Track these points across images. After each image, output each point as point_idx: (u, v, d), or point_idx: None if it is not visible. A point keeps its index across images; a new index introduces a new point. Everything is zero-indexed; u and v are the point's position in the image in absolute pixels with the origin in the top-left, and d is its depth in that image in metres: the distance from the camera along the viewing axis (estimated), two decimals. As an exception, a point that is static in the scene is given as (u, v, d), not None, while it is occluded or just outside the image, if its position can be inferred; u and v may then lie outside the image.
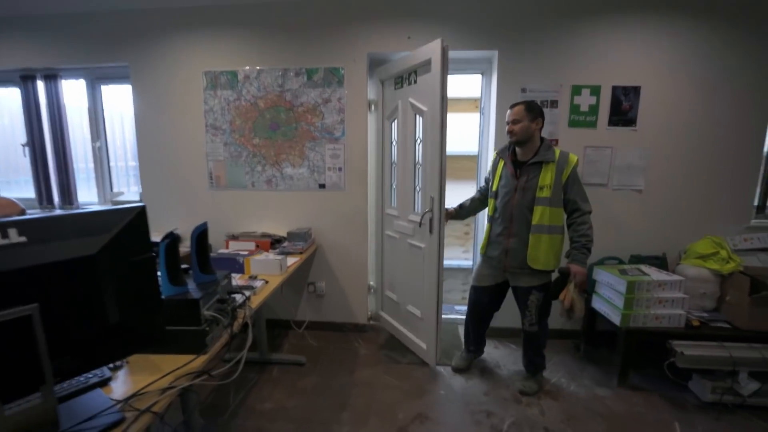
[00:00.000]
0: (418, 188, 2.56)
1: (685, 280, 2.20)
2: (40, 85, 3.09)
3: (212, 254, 2.29)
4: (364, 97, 2.74)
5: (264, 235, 2.74)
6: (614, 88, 2.54)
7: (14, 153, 3.35)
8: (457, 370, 2.48)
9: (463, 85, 4.14)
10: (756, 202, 2.69)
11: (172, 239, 1.26)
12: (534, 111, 2.05)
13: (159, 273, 1.26)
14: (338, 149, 2.79)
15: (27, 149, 3.24)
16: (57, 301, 0.89)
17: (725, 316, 2.24)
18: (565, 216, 2.10)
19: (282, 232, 2.82)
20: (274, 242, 2.70)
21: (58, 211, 3.25)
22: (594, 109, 2.57)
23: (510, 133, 2.08)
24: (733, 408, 2.07)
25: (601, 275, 2.43)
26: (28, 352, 0.82)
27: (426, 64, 2.29)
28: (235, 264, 2.15)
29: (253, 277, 2.04)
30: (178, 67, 2.83)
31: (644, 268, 2.38)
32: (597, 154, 2.62)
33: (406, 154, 2.60)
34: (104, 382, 1.12)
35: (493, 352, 2.70)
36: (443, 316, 2.51)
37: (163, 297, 1.26)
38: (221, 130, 2.86)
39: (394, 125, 2.75)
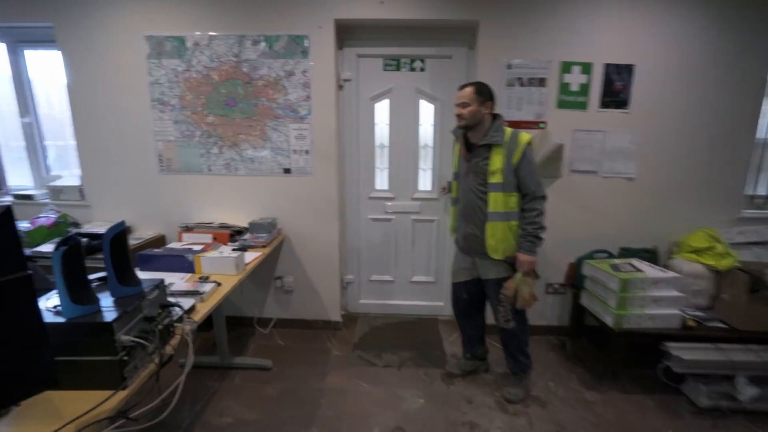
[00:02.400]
0: (424, 168, 2.74)
1: (681, 277, 2.06)
2: (-49, 50, 2.61)
3: (159, 250, 1.99)
4: (332, 71, 2.43)
5: (222, 226, 2.43)
6: (607, 66, 2.33)
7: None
8: (448, 375, 2.30)
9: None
10: (750, 192, 2.57)
11: (72, 245, 0.97)
12: (484, 93, 1.88)
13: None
14: (304, 129, 2.48)
15: (-59, 126, 2.78)
16: None
17: (720, 315, 2.12)
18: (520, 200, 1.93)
19: (243, 223, 2.52)
20: (234, 234, 2.41)
21: (-18, 198, 2.82)
22: (585, 89, 2.36)
23: (458, 116, 1.92)
24: (731, 413, 1.96)
25: (591, 270, 2.27)
26: None
27: (443, 57, 2.56)
28: (183, 263, 1.86)
29: (204, 278, 1.76)
30: (113, 30, 2.42)
31: (636, 262, 2.23)
32: (587, 139, 2.42)
33: (405, 137, 2.70)
34: (-24, 440, 0.84)
35: (474, 349, 2.53)
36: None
37: (63, 320, 0.98)
38: (170, 105, 2.50)
39: (381, 106, 2.68)
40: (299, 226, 2.64)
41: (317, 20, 2.35)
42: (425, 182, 2.78)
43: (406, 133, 2.68)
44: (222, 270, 1.85)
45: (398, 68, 2.58)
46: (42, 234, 2.33)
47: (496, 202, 1.87)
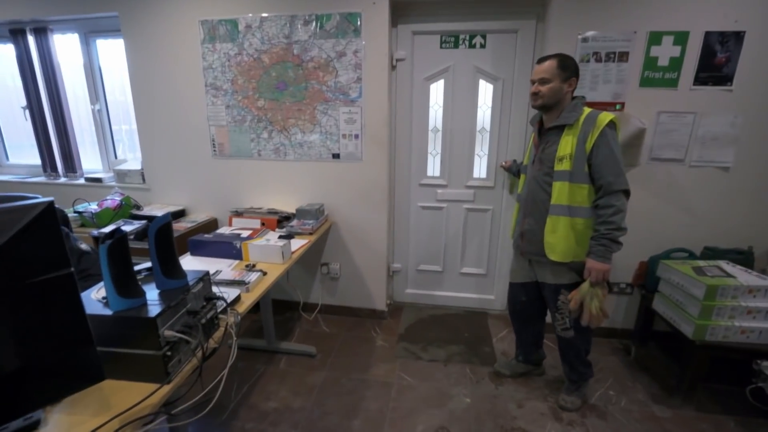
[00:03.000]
0: (480, 154, 2.56)
1: (786, 287, 1.74)
2: (31, 41, 2.80)
3: (209, 236, 2.02)
4: (385, 51, 2.29)
5: (271, 212, 2.44)
6: (707, 35, 1.97)
7: (19, 116, 3.13)
8: (497, 375, 2.16)
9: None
10: None
11: (117, 238, 0.96)
12: (569, 68, 1.61)
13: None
14: (354, 113, 2.39)
15: (27, 112, 3.03)
16: None
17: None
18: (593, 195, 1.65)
19: (291, 208, 2.51)
20: (282, 220, 2.40)
21: (62, 180, 3.06)
22: (676, 63, 2.03)
23: (534, 95, 1.66)
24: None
25: (668, 272, 2.00)
26: None
27: (507, 32, 2.32)
28: (231, 249, 1.87)
29: (251, 266, 1.75)
30: (171, 15, 2.45)
31: (725, 266, 1.92)
32: (674, 122, 2.10)
33: (460, 120, 2.52)
34: (32, 427, 0.87)
35: (527, 350, 2.36)
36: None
37: (111, 313, 0.98)
38: (222, 90, 2.51)
39: (436, 87, 2.51)
40: (347, 212, 2.59)
41: (370, -5, 2.21)
42: (481, 169, 2.58)
43: (462, 116, 2.49)
44: (269, 258, 1.83)
45: (456, 45, 2.38)
46: (108, 215, 2.47)
47: (560, 193, 1.63)
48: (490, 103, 2.45)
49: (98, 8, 2.55)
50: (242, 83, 2.47)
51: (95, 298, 1.05)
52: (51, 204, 0.74)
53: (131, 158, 3.10)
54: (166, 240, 1.09)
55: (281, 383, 2.11)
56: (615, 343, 2.45)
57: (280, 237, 2.11)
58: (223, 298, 1.25)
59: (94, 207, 2.50)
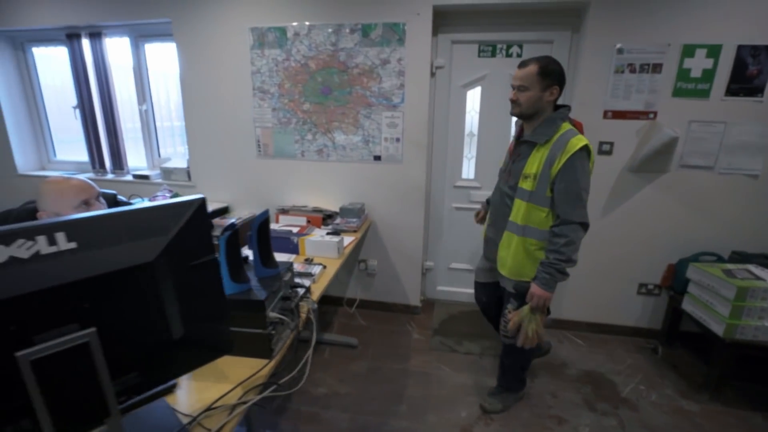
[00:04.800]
0: None
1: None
2: (86, 44, 2.96)
3: (264, 231, 2.17)
4: (427, 59, 2.42)
5: (316, 210, 2.57)
6: (740, 48, 2.08)
7: (69, 114, 3.29)
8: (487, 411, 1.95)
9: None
10: None
11: (234, 231, 1.09)
12: (551, 75, 1.48)
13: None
14: (396, 117, 2.52)
15: (77, 111, 3.19)
16: (114, 318, 0.74)
17: None
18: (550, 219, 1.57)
19: (333, 207, 2.65)
20: (326, 218, 2.54)
21: (110, 176, 3.22)
22: (709, 75, 2.14)
23: (512, 102, 1.56)
24: None
25: (699, 274, 2.11)
26: (87, 382, 0.68)
27: (543, 42, 2.42)
28: (289, 244, 2.01)
29: (309, 260, 1.89)
30: (222, 23, 2.59)
31: (754, 269, 2.03)
32: (705, 131, 2.20)
33: (495, 125, 2.62)
34: (170, 390, 1.01)
35: (557, 347, 2.48)
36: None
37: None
38: (269, 93, 2.65)
39: (473, 94, 2.63)
40: (385, 211, 2.72)
41: (415, 7, 2.34)
42: (513, 173, 2.70)
43: (497, 122, 2.61)
44: (324, 253, 1.97)
45: (493, 54, 2.50)
46: (162, 210, 2.62)
47: (518, 210, 1.59)
48: (524, 110, 2.57)
49: (152, 14, 2.70)
50: (289, 87, 2.61)
51: (204, 284, 1.19)
52: (203, 201, 0.87)
53: (173, 156, 3.26)
54: (264, 233, 1.23)
55: (327, 371, 2.25)
56: (641, 342, 2.56)
57: (329, 234, 2.25)
58: (304, 286, 1.39)
59: (147, 203, 2.65)
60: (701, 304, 2.08)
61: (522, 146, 1.62)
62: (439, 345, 2.50)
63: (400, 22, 2.38)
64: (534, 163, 1.53)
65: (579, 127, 1.59)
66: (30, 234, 0.67)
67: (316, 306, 1.44)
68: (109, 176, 3.21)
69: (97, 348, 0.67)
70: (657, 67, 2.18)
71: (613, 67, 2.22)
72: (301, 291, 1.39)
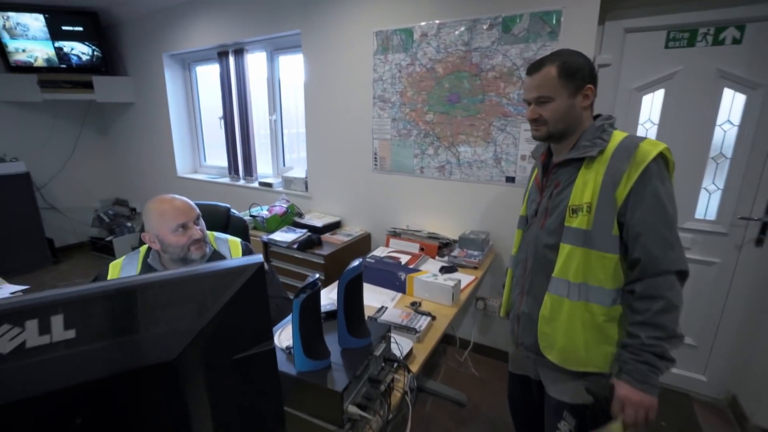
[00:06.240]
0: (710, 187, 1.94)
1: None
2: (231, 61, 3.18)
3: (371, 260, 1.90)
4: (589, 55, 1.84)
5: (431, 237, 2.23)
6: None
7: (216, 124, 3.63)
8: None
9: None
10: None
11: (312, 292, 0.81)
12: (578, 73, 1.02)
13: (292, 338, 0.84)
14: (539, 130, 2.01)
15: (222, 121, 3.48)
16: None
17: None
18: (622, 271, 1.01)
19: (452, 234, 2.27)
20: (442, 246, 2.17)
21: (241, 182, 3.42)
22: None
23: (534, 122, 1.09)
24: None
25: None
26: None
27: None
28: (395, 280, 1.70)
29: (416, 305, 1.55)
30: (346, 29, 2.45)
31: None
32: None
33: (685, 141, 1.89)
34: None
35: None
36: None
37: (295, 372, 0.85)
38: (390, 103, 2.40)
39: (651, 99, 1.97)
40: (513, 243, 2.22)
41: (578, -12, 1.81)
42: (709, 209, 1.94)
43: (688, 136, 1.89)
44: (436, 297, 1.60)
45: (691, 43, 1.80)
46: (276, 221, 2.61)
47: (569, 261, 1.03)
48: (737, 120, 1.80)
49: (285, 27, 2.73)
50: (411, 95, 2.33)
51: (279, 346, 0.94)
52: (261, 266, 0.60)
53: (296, 166, 3.29)
54: (355, 293, 0.93)
55: (426, 430, 1.88)
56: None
57: (443, 269, 1.89)
58: (402, 361, 1.05)
59: (265, 212, 2.67)
60: None
61: (559, 171, 1.10)
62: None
63: (555, 10, 1.87)
64: (586, 188, 1.02)
65: None
66: (18, 318, 0.47)
67: (415, 383, 1.08)
68: (241, 182, 3.41)
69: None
70: None
71: None
72: (393, 374, 1.05)
